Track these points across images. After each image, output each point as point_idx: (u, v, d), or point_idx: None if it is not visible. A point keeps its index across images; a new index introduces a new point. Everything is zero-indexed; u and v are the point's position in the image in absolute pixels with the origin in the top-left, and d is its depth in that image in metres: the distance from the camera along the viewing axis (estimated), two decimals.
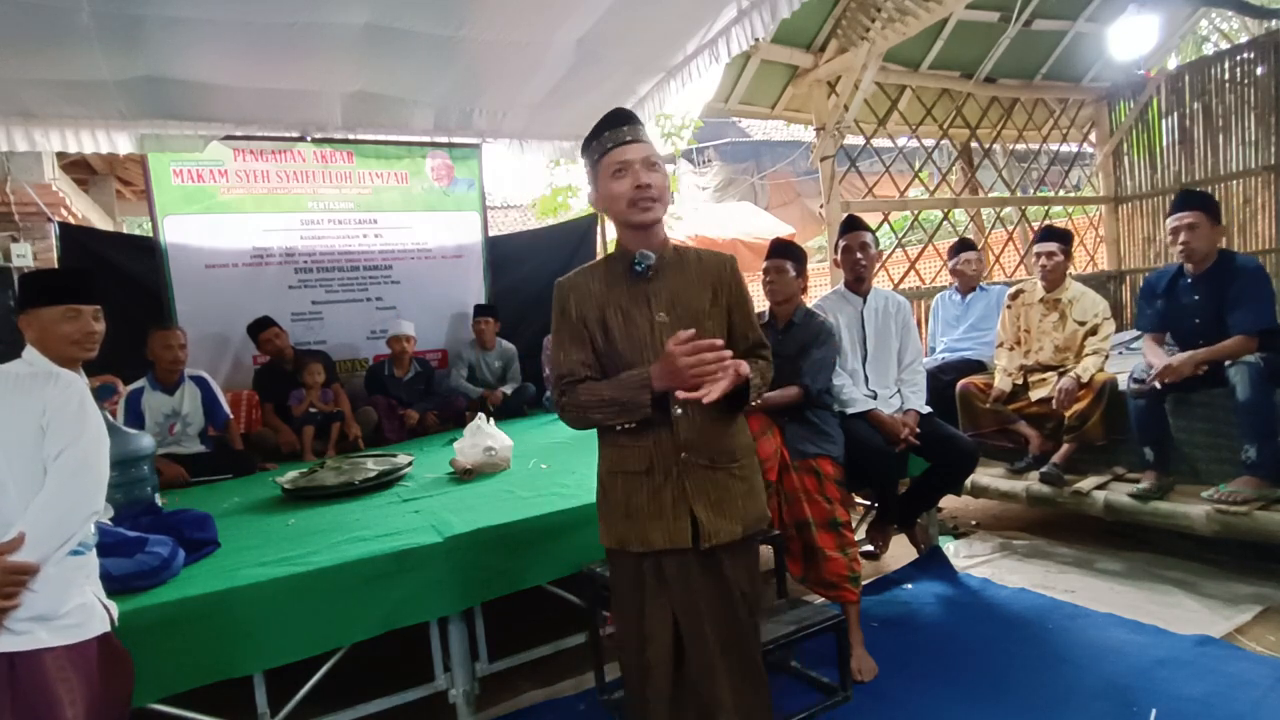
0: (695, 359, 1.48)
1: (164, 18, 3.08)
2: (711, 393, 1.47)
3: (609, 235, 5.94)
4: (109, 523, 2.20)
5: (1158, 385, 3.09)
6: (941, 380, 3.85)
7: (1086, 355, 3.50)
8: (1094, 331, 3.54)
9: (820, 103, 5.34)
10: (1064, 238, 3.69)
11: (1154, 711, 2.15)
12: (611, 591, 1.79)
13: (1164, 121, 6.45)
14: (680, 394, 1.52)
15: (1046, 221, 7.21)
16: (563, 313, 1.72)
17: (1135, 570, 3.18)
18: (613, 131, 1.64)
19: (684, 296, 1.67)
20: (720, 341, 1.52)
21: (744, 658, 1.68)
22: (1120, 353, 4.76)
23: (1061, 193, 7.73)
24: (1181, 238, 3.10)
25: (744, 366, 1.56)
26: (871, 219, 3.52)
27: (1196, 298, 3.14)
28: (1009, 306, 3.83)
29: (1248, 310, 2.97)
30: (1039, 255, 3.68)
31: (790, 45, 5.25)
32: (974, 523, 4.06)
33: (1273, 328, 2.96)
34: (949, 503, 4.12)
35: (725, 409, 1.61)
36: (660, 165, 1.66)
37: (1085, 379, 3.40)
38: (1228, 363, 2.97)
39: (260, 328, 4.37)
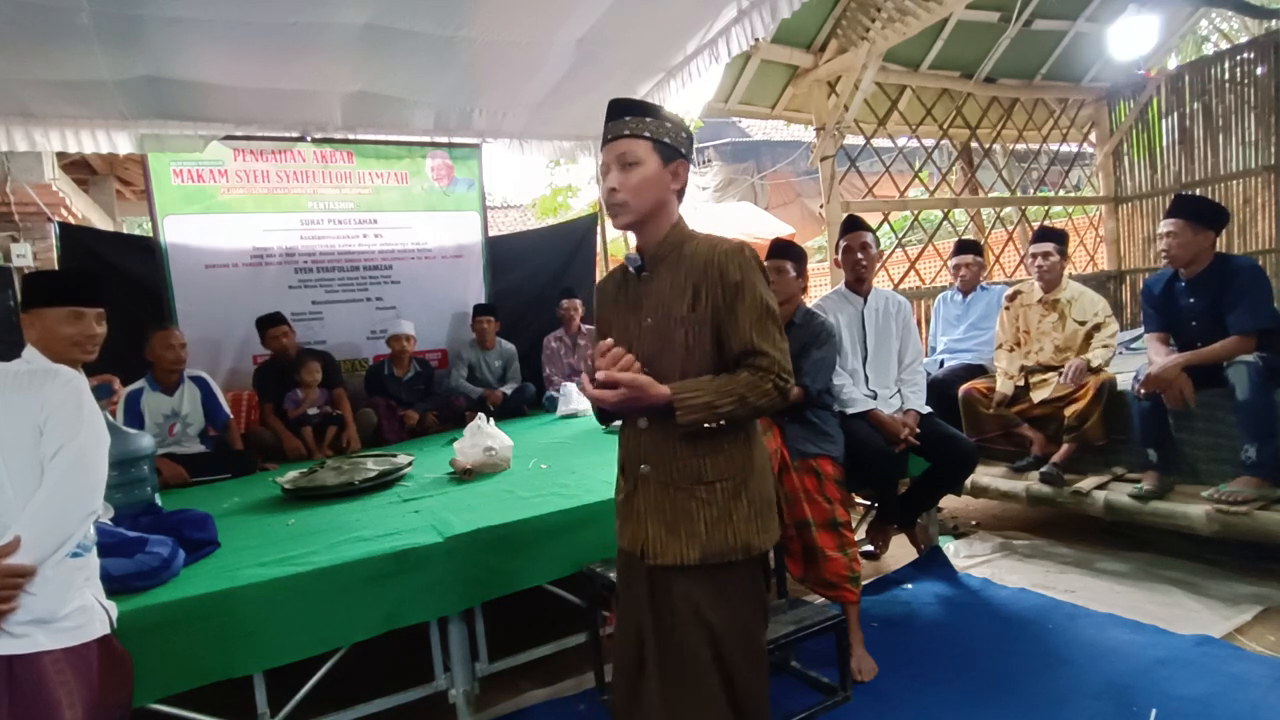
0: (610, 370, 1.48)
1: (164, 18, 3.08)
2: (601, 395, 1.49)
3: (610, 235, 5.94)
4: (109, 523, 2.20)
5: (1142, 392, 3.12)
6: (948, 394, 3.84)
7: (1095, 349, 3.51)
8: (1098, 329, 3.55)
9: (820, 103, 5.34)
10: (1059, 238, 3.70)
11: (1154, 711, 2.14)
12: None
13: (1164, 121, 6.45)
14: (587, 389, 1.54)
15: (1047, 221, 7.22)
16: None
17: (1135, 570, 3.17)
18: (605, 126, 1.62)
19: (666, 299, 1.58)
20: (624, 355, 1.50)
21: (685, 684, 1.55)
22: (1121, 352, 4.75)
23: (1061, 193, 7.73)
24: (1161, 244, 3.16)
25: (651, 388, 1.48)
26: (871, 219, 3.52)
27: (1192, 300, 3.14)
28: (1007, 308, 3.84)
29: (1244, 310, 2.97)
30: (1035, 256, 3.69)
31: (790, 45, 5.25)
32: (974, 523, 4.06)
33: (1270, 327, 2.96)
34: (949, 503, 4.12)
35: (672, 427, 1.51)
36: (641, 160, 1.55)
37: (1095, 364, 3.41)
38: (1226, 363, 2.97)
39: (269, 323, 4.37)
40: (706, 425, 1.49)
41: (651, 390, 1.48)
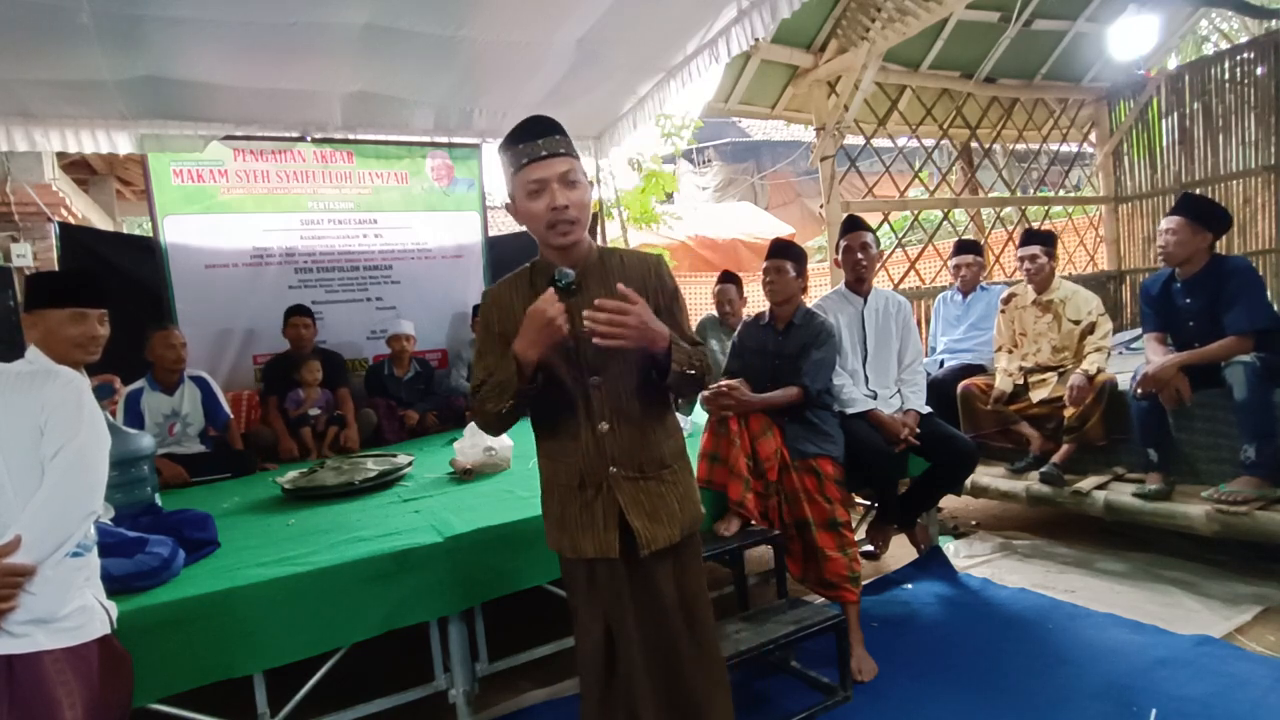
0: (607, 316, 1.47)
1: (164, 18, 3.07)
2: (620, 315, 1.47)
3: (608, 235, 5.94)
4: (109, 523, 2.20)
5: (1139, 391, 3.12)
6: (948, 394, 3.84)
7: (1088, 354, 3.51)
8: (1092, 329, 3.55)
9: (820, 103, 5.34)
10: (1046, 239, 3.72)
11: (1154, 711, 2.15)
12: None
13: (1164, 121, 6.45)
14: (594, 338, 1.48)
15: (1047, 221, 7.22)
16: (486, 327, 1.71)
17: (1135, 570, 3.18)
18: (527, 144, 1.56)
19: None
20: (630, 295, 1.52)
21: (672, 670, 1.67)
22: (1120, 352, 4.76)
23: (1061, 193, 7.73)
24: (1159, 241, 3.17)
25: (654, 318, 1.54)
26: (871, 219, 3.52)
27: (1188, 301, 3.15)
28: (1002, 311, 3.85)
29: (1241, 310, 2.97)
30: (1023, 260, 3.72)
31: (790, 45, 5.25)
32: (974, 523, 4.06)
33: (1267, 327, 2.96)
34: (949, 503, 4.12)
35: (647, 385, 1.63)
36: (581, 180, 1.59)
37: (1093, 372, 3.40)
38: (1224, 363, 2.98)
39: (292, 312, 4.40)
40: (678, 369, 1.59)
41: (655, 320, 1.55)
